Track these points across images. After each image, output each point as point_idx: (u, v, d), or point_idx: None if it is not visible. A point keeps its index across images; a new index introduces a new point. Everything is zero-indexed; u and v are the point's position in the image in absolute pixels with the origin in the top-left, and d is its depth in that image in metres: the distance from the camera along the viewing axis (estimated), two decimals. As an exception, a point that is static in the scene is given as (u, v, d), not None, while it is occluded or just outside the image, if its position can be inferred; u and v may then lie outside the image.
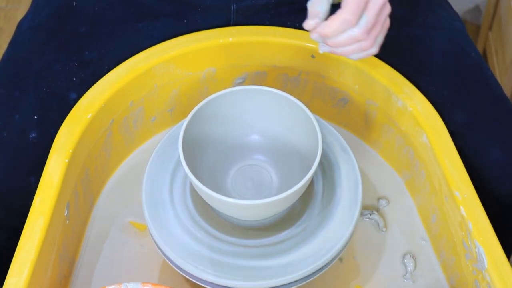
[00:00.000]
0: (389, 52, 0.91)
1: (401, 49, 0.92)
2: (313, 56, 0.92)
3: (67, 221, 0.80)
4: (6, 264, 0.73)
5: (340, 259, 0.85)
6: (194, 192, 0.81)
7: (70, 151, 0.81)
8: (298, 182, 0.73)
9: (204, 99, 0.80)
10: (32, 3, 0.99)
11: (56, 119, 0.84)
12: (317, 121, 0.81)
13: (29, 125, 0.85)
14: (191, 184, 0.81)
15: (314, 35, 0.75)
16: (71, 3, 0.94)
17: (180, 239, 0.77)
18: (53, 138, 0.82)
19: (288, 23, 0.94)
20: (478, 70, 0.92)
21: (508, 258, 0.75)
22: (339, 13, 0.73)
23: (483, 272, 0.74)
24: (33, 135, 0.85)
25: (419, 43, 0.93)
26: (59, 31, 0.92)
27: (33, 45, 0.92)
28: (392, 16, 0.92)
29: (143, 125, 0.95)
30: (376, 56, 0.91)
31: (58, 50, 0.90)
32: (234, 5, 0.93)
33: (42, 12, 0.95)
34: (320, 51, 0.78)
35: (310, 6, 0.75)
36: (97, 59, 0.89)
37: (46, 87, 0.88)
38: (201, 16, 0.93)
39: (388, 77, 0.89)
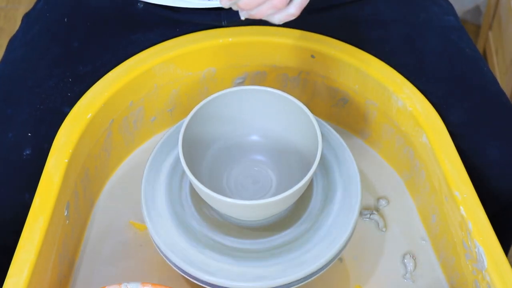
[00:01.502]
0: (383, 53, 0.91)
1: (394, 50, 0.92)
2: (313, 56, 0.92)
3: (67, 221, 0.80)
4: (0, 283, 0.72)
5: (340, 259, 0.85)
6: (193, 192, 0.81)
7: (70, 151, 0.81)
8: (298, 182, 0.73)
9: (204, 99, 0.80)
10: (23, 20, 0.99)
11: (50, 134, 0.83)
12: (317, 121, 0.81)
13: (23, 142, 0.85)
14: (190, 184, 0.81)
15: (224, 1, 0.73)
16: (63, 18, 0.94)
17: (180, 239, 0.77)
18: (48, 153, 0.81)
19: None
20: (473, 66, 0.92)
21: (507, 255, 0.75)
22: None
23: (483, 272, 0.74)
24: (27, 152, 0.84)
25: (412, 43, 0.93)
26: (52, 46, 0.92)
27: (25, 62, 0.91)
28: (384, 16, 0.92)
29: (143, 125, 0.95)
30: (374, 56, 0.91)
31: (51, 65, 0.90)
32: (225, 21, 0.93)
33: (33, 29, 0.94)
34: (242, 18, 0.75)
35: None
36: (92, 72, 0.89)
37: (40, 103, 0.87)
38: (193, 25, 0.93)
39: (388, 77, 0.89)
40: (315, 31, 0.92)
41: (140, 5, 0.93)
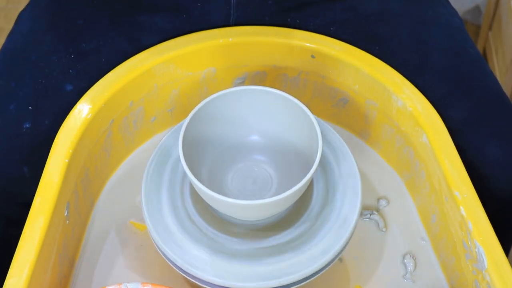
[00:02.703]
0: (387, 48, 0.91)
1: (399, 45, 0.92)
2: (313, 56, 0.92)
3: (67, 221, 0.80)
4: (3, 254, 0.73)
5: (340, 259, 0.85)
6: (194, 192, 0.81)
7: (70, 151, 0.81)
8: (298, 182, 0.73)
9: (204, 99, 0.79)
10: None
11: (50, 110, 0.84)
12: (317, 121, 0.81)
13: (23, 115, 0.85)
14: (191, 184, 0.81)
15: None
16: None
17: (180, 239, 0.77)
18: (47, 129, 0.82)
19: (289, 19, 0.94)
20: (477, 66, 0.92)
21: (507, 255, 0.75)
22: None
23: (483, 272, 0.74)
24: (27, 125, 0.85)
25: (417, 39, 0.93)
26: (57, 22, 0.92)
27: (30, 36, 0.92)
28: (391, 11, 0.93)
29: (143, 125, 0.95)
30: (376, 52, 0.91)
31: (56, 41, 0.91)
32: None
33: (41, 4, 0.96)
34: None
35: None
36: (95, 51, 0.90)
37: (42, 78, 0.88)
38: (200, 10, 0.93)
39: (388, 77, 0.89)
40: (322, 23, 0.92)
41: None
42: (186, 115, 0.78)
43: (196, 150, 0.80)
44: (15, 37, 0.94)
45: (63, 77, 0.88)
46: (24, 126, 0.85)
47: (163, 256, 0.78)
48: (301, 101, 0.79)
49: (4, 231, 0.80)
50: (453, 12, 0.99)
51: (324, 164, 0.83)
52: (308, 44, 0.91)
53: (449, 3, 1.01)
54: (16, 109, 0.86)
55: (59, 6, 0.94)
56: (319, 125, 0.77)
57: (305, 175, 0.74)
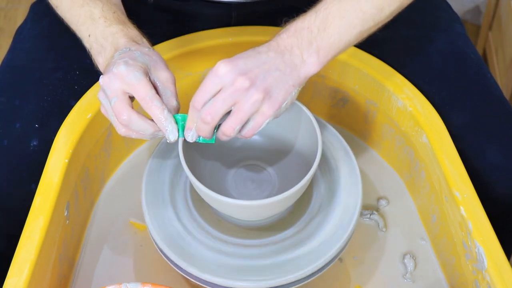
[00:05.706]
0: (386, 52, 0.91)
1: (400, 49, 0.92)
2: (313, 56, 0.92)
3: (67, 221, 0.80)
4: (6, 271, 0.73)
5: (340, 259, 0.85)
6: (194, 192, 0.81)
7: (70, 151, 0.81)
8: (298, 182, 0.73)
9: (204, 99, 0.79)
10: (31, 9, 0.99)
11: (57, 127, 0.84)
12: (317, 121, 0.81)
13: (30, 133, 0.85)
14: (191, 184, 0.81)
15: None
16: None
17: (180, 239, 0.77)
18: None
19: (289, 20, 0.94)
20: (477, 72, 0.92)
21: (508, 259, 0.75)
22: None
23: (483, 272, 0.74)
24: (34, 143, 0.85)
25: (419, 44, 0.93)
26: (60, 39, 0.92)
27: (34, 53, 0.92)
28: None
29: (143, 125, 0.94)
30: (376, 56, 0.91)
31: (59, 58, 0.90)
32: (235, 13, 0.93)
33: (43, 21, 0.95)
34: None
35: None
36: None
37: (47, 95, 0.87)
38: (201, 23, 0.93)
39: (388, 77, 0.89)
40: None
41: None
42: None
43: (196, 150, 0.80)
44: (17, 54, 0.93)
45: (68, 94, 0.87)
46: (31, 144, 0.84)
47: (163, 256, 0.78)
48: (301, 101, 0.79)
49: (9, 249, 0.79)
50: (455, 17, 0.99)
51: (324, 164, 0.83)
52: (308, 44, 0.91)
53: (450, 8, 1.01)
54: (22, 128, 0.85)
55: (61, 23, 0.94)
56: (319, 125, 0.77)
57: (305, 175, 0.74)
